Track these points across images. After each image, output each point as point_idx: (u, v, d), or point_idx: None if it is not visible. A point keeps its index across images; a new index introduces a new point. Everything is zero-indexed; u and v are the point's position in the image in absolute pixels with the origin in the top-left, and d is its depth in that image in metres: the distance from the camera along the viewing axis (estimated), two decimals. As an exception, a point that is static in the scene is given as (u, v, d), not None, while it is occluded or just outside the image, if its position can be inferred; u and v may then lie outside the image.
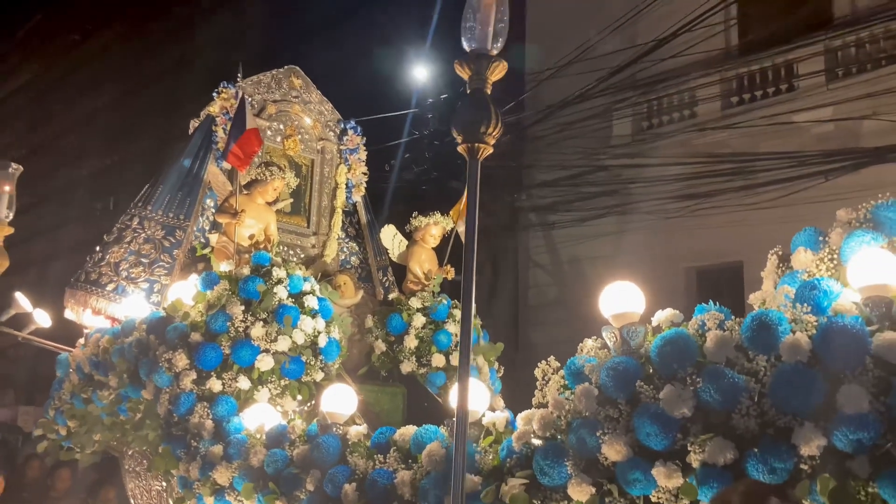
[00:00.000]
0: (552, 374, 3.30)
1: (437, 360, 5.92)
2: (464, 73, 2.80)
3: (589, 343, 3.23)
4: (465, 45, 2.79)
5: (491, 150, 2.82)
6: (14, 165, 4.82)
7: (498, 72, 2.79)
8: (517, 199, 13.26)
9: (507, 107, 12.55)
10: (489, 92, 2.80)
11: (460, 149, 2.82)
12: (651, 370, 2.93)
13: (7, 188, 4.79)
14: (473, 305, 2.81)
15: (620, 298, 3.11)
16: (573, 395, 3.09)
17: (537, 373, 3.34)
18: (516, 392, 6.55)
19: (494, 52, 2.79)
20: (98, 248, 5.96)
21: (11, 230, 4.83)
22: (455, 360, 5.91)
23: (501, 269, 13.43)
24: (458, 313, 6.10)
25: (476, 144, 2.78)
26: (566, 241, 12.57)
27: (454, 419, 3.47)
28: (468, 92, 2.82)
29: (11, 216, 4.84)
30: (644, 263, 10.44)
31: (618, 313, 3.09)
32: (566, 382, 3.22)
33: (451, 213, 6.28)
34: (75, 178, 25.32)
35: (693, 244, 10.88)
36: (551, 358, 3.35)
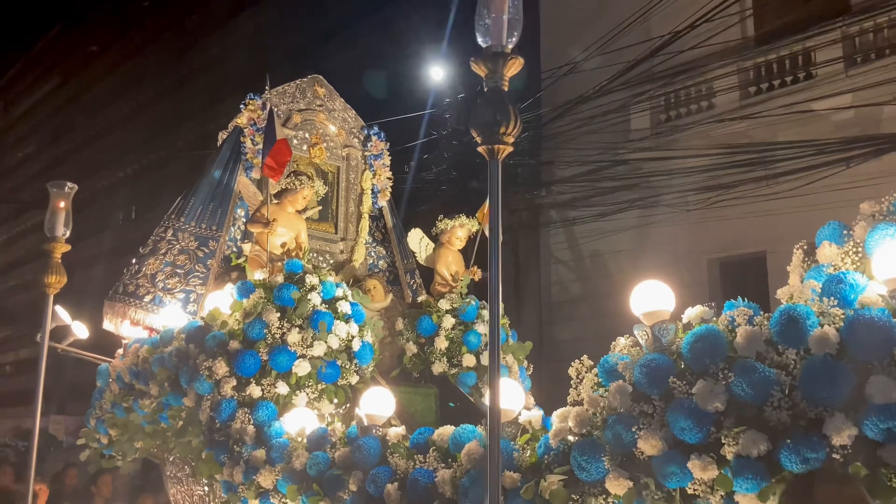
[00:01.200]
0: (586, 372, 3.40)
1: (468, 360, 6.04)
2: (480, 71, 2.79)
3: (621, 341, 3.33)
4: (480, 42, 2.78)
5: (511, 150, 2.85)
6: (69, 184, 4.99)
7: (514, 68, 2.79)
8: (537, 196, 13.35)
9: (524, 104, 12.65)
10: (506, 89, 2.81)
11: (480, 149, 2.85)
12: (683, 366, 3.02)
13: (62, 205, 4.95)
14: (501, 305, 2.90)
15: (651, 297, 3.20)
16: (608, 393, 3.19)
17: (571, 371, 3.44)
18: (542, 388, 6.68)
19: (510, 47, 2.79)
20: (134, 261, 6.14)
21: (68, 247, 5.00)
22: (485, 359, 6.03)
23: (523, 267, 13.53)
24: (486, 314, 6.21)
25: (496, 145, 2.81)
26: (587, 237, 12.66)
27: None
28: (485, 90, 2.82)
29: (68, 234, 5.01)
30: (667, 256, 10.52)
31: (649, 311, 3.19)
32: (600, 380, 3.32)
33: (476, 215, 6.39)
34: (96, 188, 25.66)
35: (715, 235, 10.92)
36: (584, 357, 3.45)
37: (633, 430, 3.01)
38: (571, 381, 3.44)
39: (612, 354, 3.31)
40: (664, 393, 3.00)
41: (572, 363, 3.49)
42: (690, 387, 2.92)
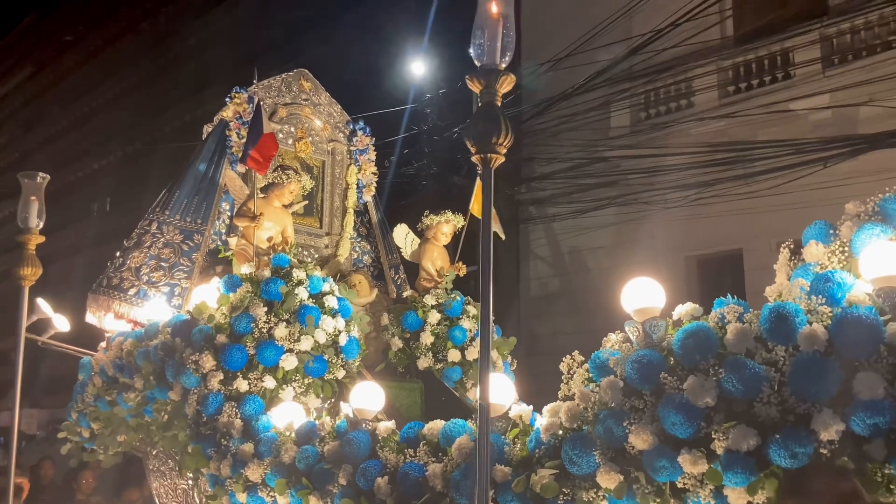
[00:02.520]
0: (577, 367, 3.44)
1: (453, 355, 6.07)
2: (475, 88, 2.96)
3: (612, 337, 3.38)
4: (476, 61, 2.95)
5: (503, 160, 2.99)
6: (41, 175, 4.93)
7: (506, 85, 2.96)
8: (517, 192, 13.40)
9: (505, 100, 12.69)
10: (499, 104, 2.97)
11: (474, 159, 2.99)
12: (674, 362, 3.08)
13: (34, 198, 4.90)
14: (492, 302, 2.95)
15: (642, 294, 3.25)
16: (599, 388, 3.24)
17: (562, 366, 3.49)
18: (521, 383, 6.73)
19: (503, 66, 2.96)
20: (118, 254, 6.09)
21: (42, 238, 4.95)
22: (470, 354, 6.06)
23: (503, 262, 13.56)
24: (471, 309, 6.25)
25: (489, 154, 2.95)
26: (566, 233, 12.73)
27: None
28: (480, 105, 2.98)
29: (42, 225, 4.96)
30: (645, 253, 10.62)
31: (639, 308, 3.24)
32: (591, 375, 3.37)
33: (472, 208, 6.40)
34: (74, 178, 25.34)
35: (693, 233, 11.04)
36: (575, 352, 3.50)
37: (625, 424, 3.07)
38: (563, 377, 3.48)
39: (603, 350, 3.36)
40: (655, 388, 3.06)
41: (562, 359, 3.52)
42: (681, 382, 2.97)
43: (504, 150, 2.96)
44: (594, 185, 11.94)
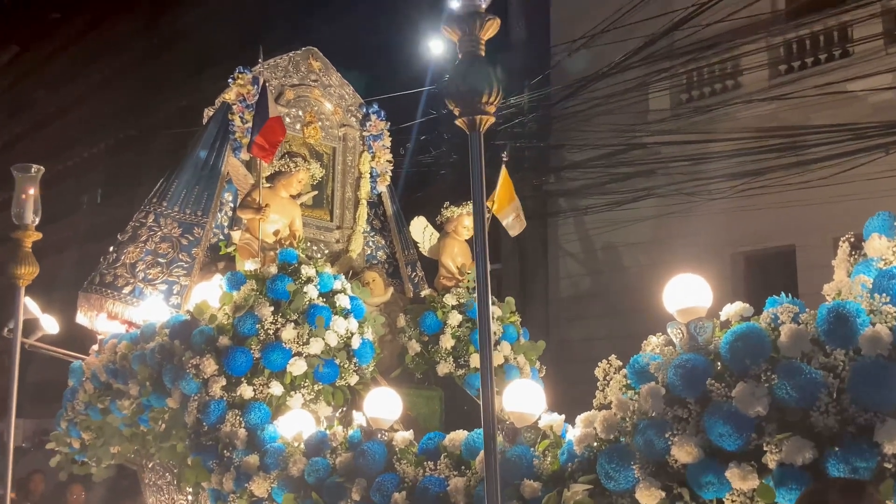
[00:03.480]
0: (614, 373, 3.44)
1: (476, 360, 6.08)
2: (453, 36, 2.78)
3: (653, 340, 3.37)
4: (452, 3, 2.76)
5: (493, 121, 2.85)
6: (36, 167, 4.97)
7: (491, 30, 2.78)
8: (545, 183, 13.36)
9: (533, 81, 12.66)
10: (483, 54, 2.78)
11: (459, 122, 2.84)
12: (721, 367, 3.07)
13: (31, 191, 4.94)
14: (490, 298, 2.93)
15: (686, 292, 3.25)
16: (638, 395, 3.23)
17: (598, 372, 3.48)
18: (551, 391, 6.74)
19: (483, 6, 2.76)
20: (112, 248, 6.16)
21: (39, 235, 5.00)
22: (495, 360, 6.07)
23: (530, 260, 13.54)
24: (496, 310, 6.27)
25: (475, 116, 2.78)
26: (600, 228, 12.67)
27: (509, 422, 3.66)
28: (460, 56, 2.80)
29: (38, 220, 5.00)
30: (687, 250, 10.56)
31: (684, 308, 3.23)
32: (629, 382, 3.36)
33: (486, 202, 6.41)
34: (62, 169, 25.56)
35: (740, 227, 10.96)
36: (612, 357, 3.49)
37: (667, 436, 3.06)
38: (598, 383, 3.47)
39: (643, 354, 3.35)
40: (700, 396, 3.05)
41: (597, 364, 3.52)
42: (730, 389, 2.96)
43: (493, 109, 2.81)
44: (631, 175, 11.87)
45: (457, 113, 2.77)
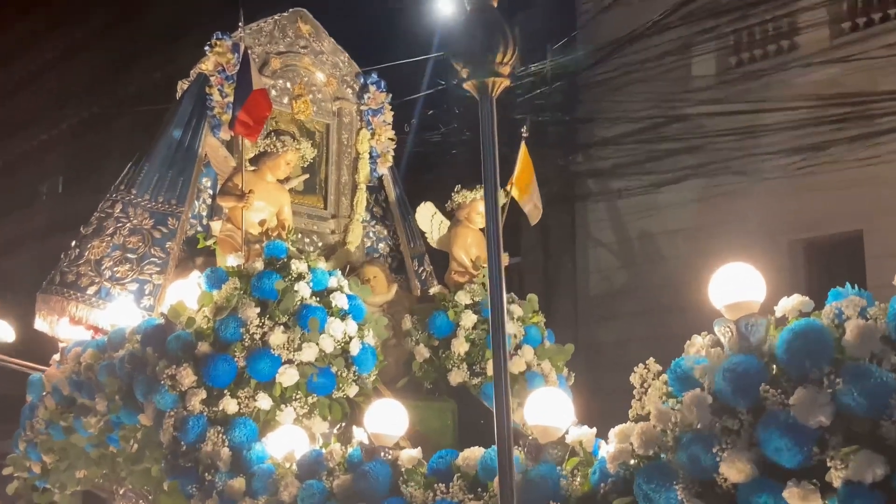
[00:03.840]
0: (653, 379, 3.43)
1: (494, 366, 6.07)
2: None
3: (698, 340, 3.36)
4: None
5: (507, 84, 2.85)
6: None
7: None
8: (572, 162, 13.33)
9: (557, 44, 12.63)
10: (495, 4, 2.78)
11: (467, 86, 2.84)
12: (777, 371, 3.05)
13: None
14: (507, 295, 2.93)
15: (736, 284, 3.23)
16: (681, 405, 3.22)
17: (634, 378, 3.47)
18: (581, 402, 6.74)
19: None
20: (74, 243, 6.19)
21: None
22: (516, 366, 6.08)
23: (555, 251, 13.53)
24: (516, 310, 6.26)
25: (488, 79, 2.79)
26: (636, 213, 12.62)
27: (532, 437, 3.66)
28: (469, 8, 2.81)
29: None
30: (737, 237, 10.51)
31: (733, 303, 3.22)
32: (670, 389, 3.35)
33: (507, 185, 6.42)
34: (15, 154, 25.67)
35: (798, 211, 10.89)
36: (650, 360, 3.48)
37: (714, 450, 3.05)
38: (634, 391, 3.47)
39: (686, 357, 3.34)
40: (753, 404, 3.03)
41: (633, 369, 3.51)
42: (787, 396, 2.95)
43: (508, 71, 2.80)
44: (671, 152, 11.83)
45: (464, 75, 2.76)
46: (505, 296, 2.87)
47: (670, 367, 3.36)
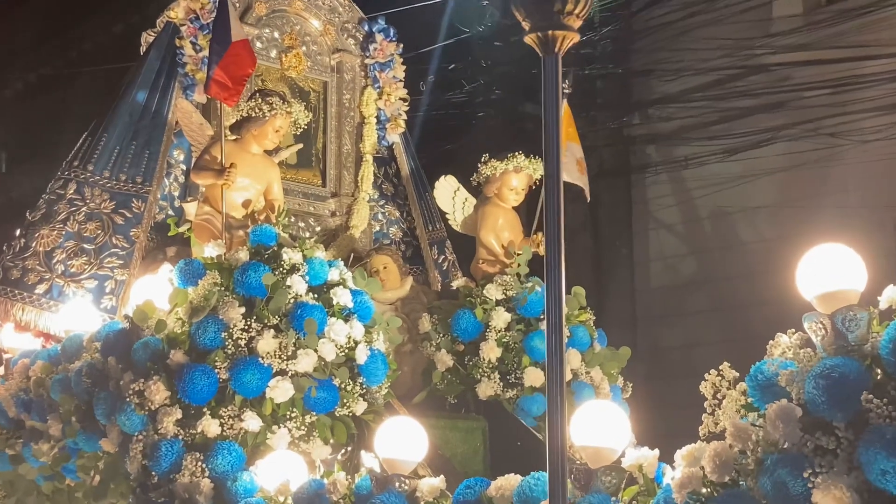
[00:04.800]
0: (728, 388, 3.41)
1: (532, 376, 6.06)
2: None
3: (783, 340, 3.34)
4: None
5: (576, 39, 2.88)
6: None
7: None
8: (627, 124, 13.31)
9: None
10: None
11: (529, 40, 2.88)
12: (883, 376, 3.03)
13: None
14: (563, 289, 2.92)
15: (829, 270, 3.21)
16: (763, 419, 3.20)
17: (705, 388, 3.46)
18: (640, 417, 6.74)
19: None
20: (18, 232, 6.22)
21: None
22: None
23: (607, 235, 13.51)
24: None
25: (552, 32, 2.84)
26: (706, 187, 12.58)
27: (580, 461, 3.66)
28: None
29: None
30: (832, 214, 10.47)
31: (826, 292, 3.20)
32: (750, 400, 3.34)
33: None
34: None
35: (908, 181, 10.84)
36: (724, 365, 3.47)
37: (806, 475, 3.03)
38: (705, 404, 3.45)
39: (768, 360, 3.32)
40: (854, 418, 3.01)
41: (704, 377, 3.50)
42: (895, 408, 2.93)
43: (579, 23, 2.85)
44: (748, 110, 11.78)
45: (526, 27, 2.78)
46: (564, 288, 2.86)
47: (749, 373, 3.35)
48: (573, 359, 6.18)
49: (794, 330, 3.35)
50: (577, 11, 2.81)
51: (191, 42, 6.35)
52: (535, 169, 6.49)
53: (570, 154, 6.57)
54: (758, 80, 11.78)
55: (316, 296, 5.32)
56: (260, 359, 5.06)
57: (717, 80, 12.03)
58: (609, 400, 6.01)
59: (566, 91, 6.72)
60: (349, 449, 5.26)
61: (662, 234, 13.31)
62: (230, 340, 5.07)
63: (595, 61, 12.64)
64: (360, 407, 5.30)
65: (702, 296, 12.42)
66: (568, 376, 6.11)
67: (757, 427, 3.24)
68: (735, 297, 11.48)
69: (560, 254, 2.92)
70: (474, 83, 13.70)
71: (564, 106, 6.67)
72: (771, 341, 3.39)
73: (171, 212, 6.39)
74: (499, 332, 6.16)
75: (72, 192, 6.20)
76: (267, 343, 5.08)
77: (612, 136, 13.13)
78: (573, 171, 6.58)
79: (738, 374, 3.43)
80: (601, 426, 3.76)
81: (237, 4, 6.56)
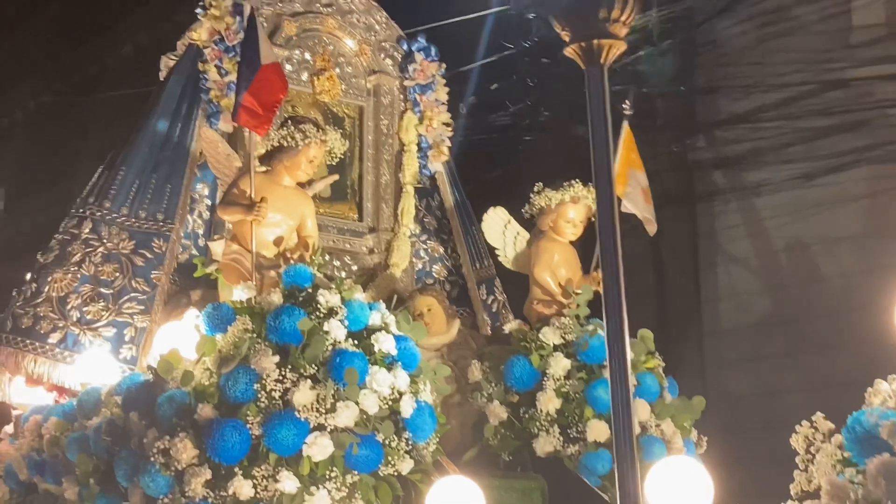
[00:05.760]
0: (822, 441, 3.41)
1: (596, 430, 6.03)
2: None
3: (883, 387, 3.33)
4: None
5: (623, 48, 2.96)
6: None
7: None
8: (691, 147, 13.28)
9: (662, -12, 12.61)
10: None
11: (569, 51, 2.95)
12: None
13: None
14: (626, 332, 2.93)
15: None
16: (863, 476, 3.19)
17: (796, 441, 3.46)
18: (716, 474, 6.69)
19: None
20: (29, 276, 6.26)
21: None
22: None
23: (671, 270, 13.47)
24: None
25: (596, 42, 2.90)
26: (781, 216, 12.52)
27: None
28: None
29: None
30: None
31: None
32: (847, 455, 3.33)
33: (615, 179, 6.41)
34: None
35: None
36: (818, 415, 3.46)
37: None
38: (796, 458, 3.45)
39: (867, 410, 3.32)
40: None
41: (794, 430, 3.50)
42: None
43: (625, 31, 2.90)
44: (828, 130, 11.73)
45: (566, 38, 2.80)
46: (627, 331, 2.87)
47: (846, 424, 3.34)
48: (641, 410, 6.14)
49: (893, 375, 3.34)
50: (622, 18, 2.86)
51: (215, 66, 6.40)
52: (594, 199, 6.49)
53: (634, 182, 6.59)
54: (837, 97, 11.74)
55: (356, 342, 5.32)
56: (296, 413, 5.05)
57: (791, 98, 12.00)
58: (682, 455, 5.99)
59: (627, 112, 6.75)
60: (397, 512, 5.25)
61: (733, 269, 13.23)
62: (263, 393, 5.08)
63: (655, 79, 12.65)
64: (406, 465, 5.27)
65: (779, 337, 12.32)
66: (636, 430, 6.09)
67: (856, 485, 3.22)
68: (817, 338, 11.38)
69: (620, 292, 2.93)
70: (520, 104, 13.73)
71: (625, 129, 6.71)
72: (869, 388, 3.38)
73: (195, 251, 6.42)
74: (557, 380, 6.15)
75: (87, 231, 6.24)
76: (303, 395, 5.08)
77: (675, 161, 13.09)
78: (639, 201, 6.59)
79: (832, 427, 3.43)
80: (678, 485, 3.75)
81: (265, 24, 6.60)
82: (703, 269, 13.46)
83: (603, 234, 2.90)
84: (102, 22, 21.37)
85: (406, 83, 7.14)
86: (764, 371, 12.21)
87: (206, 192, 6.58)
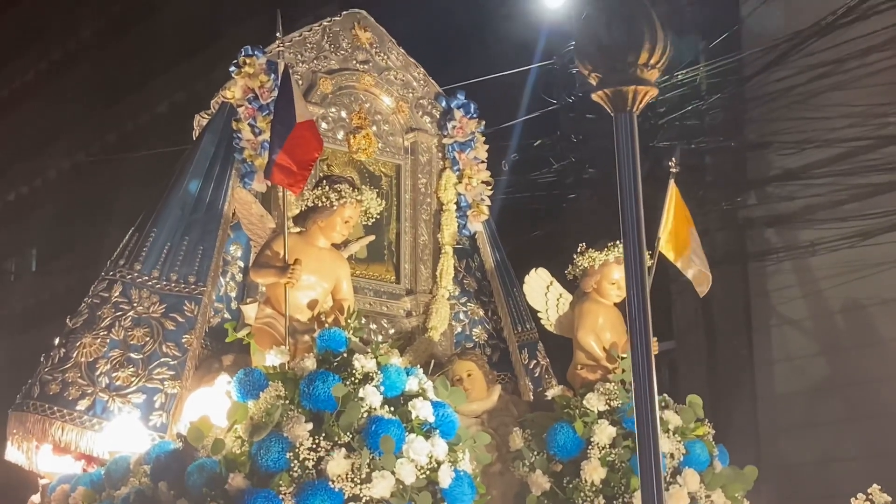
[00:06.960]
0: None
1: (643, 500, 5.99)
2: None
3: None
4: None
5: (654, 93, 2.97)
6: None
7: None
8: (742, 205, 13.25)
9: (713, 42, 12.62)
10: None
11: (597, 97, 2.97)
12: None
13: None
14: (656, 397, 2.90)
15: None
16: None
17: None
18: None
19: None
20: (58, 342, 6.30)
21: None
22: (677, 500, 6.00)
23: (722, 333, 13.40)
24: (672, 418, 6.18)
25: (624, 88, 2.89)
26: (837, 275, 12.45)
27: None
28: None
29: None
30: None
31: None
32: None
33: (660, 236, 6.41)
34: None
35: None
36: (874, 487, 3.41)
37: None
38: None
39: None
40: None
41: (852, 501, 3.45)
42: None
43: (656, 75, 2.89)
44: (883, 187, 11.67)
45: (593, 81, 2.81)
46: (657, 398, 2.83)
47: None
48: (691, 481, 6.09)
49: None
50: (653, 62, 2.82)
51: (249, 124, 6.44)
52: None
53: (694, 243, 6.58)
54: (892, 153, 11.70)
55: (392, 409, 5.32)
56: (330, 482, 5.05)
57: (846, 153, 11.97)
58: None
59: (674, 169, 6.74)
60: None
61: (787, 332, 13.15)
62: (296, 462, 5.08)
63: (703, 134, 12.65)
64: (445, 538, 5.27)
65: (836, 403, 12.22)
66: (685, 501, 6.02)
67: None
68: (875, 403, 11.27)
69: (651, 360, 2.91)
70: (564, 161, 13.76)
71: (672, 188, 6.70)
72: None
73: (227, 315, 6.45)
74: (602, 448, 6.13)
75: (117, 294, 6.27)
76: (338, 464, 5.07)
77: (726, 219, 13.07)
78: (702, 256, 6.59)
79: (889, 499, 3.38)
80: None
81: (300, 81, 6.66)
82: (755, 332, 13.38)
83: (631, 294, 2.88)
84: (138, 80, 21.61)
85: (445, 141, 7.16)
86: (820, 438, 12.10)
87: (240, 253, 6.60)
